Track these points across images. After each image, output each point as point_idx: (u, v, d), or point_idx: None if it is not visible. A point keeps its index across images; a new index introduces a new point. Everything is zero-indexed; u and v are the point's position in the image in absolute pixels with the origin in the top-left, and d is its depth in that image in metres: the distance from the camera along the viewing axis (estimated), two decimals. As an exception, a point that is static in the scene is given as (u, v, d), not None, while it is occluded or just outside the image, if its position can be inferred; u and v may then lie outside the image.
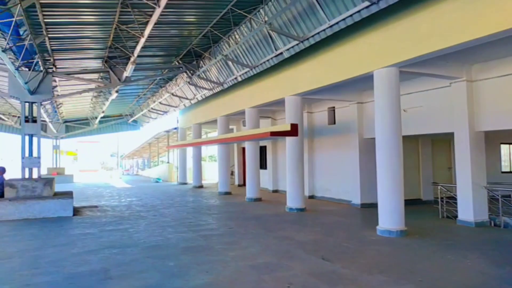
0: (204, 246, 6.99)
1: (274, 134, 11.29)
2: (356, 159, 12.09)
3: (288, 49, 10.57)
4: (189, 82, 16.89)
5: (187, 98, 19.34)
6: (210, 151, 35.74)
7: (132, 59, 11.48)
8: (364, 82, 9.77)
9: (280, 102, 12.31)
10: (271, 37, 10.81)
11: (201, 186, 20.21)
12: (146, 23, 9.14)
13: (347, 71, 9.09)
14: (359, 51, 8.71)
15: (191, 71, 15.49)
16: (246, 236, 7.87)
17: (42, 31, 9.72)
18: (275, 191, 17.11)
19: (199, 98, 18.30)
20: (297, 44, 10.12)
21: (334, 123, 13.71)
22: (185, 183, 22.67)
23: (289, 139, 11.44)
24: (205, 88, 16.68)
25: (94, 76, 15.22)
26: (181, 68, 15.43)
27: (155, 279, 5.07)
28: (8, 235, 8.22)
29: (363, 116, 12.26)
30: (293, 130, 10.77)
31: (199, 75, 15.59)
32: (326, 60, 9.91)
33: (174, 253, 6.49)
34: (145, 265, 5.73)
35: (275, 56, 11.25)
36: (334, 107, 13.73)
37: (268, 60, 11.68)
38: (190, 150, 23.61)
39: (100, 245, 7.05)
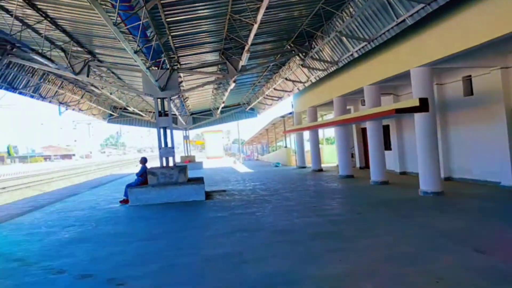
0: (333, 232, 6.70)
1: (400, 111, 10.29)
2: (504, 133, 10.26)
3: (411, 15, 9.40)
4: (302, 65, 16.60)
5: (300, 82, 19.10)
6: (327, 134, 35.12)
7: (246, 47, 11.65)
8: (510, 43, 8.11)
9: (403, 76, 11.13)
10: (390, 4, 9.75)
11: (320, 170, 19.92)
12: (258, 8, 9.09)
13: (488, 31, 7.62)
14: (505, 6, 7.20)
15: (304, 53, 15.15)
16: (378, 222, 7.33)
17: (165, 30, 10.49)
18: (403, 173, 15.80)
19: (313, 80, 17.87)
20: (422, 8, 8.91)
21: (471, 94, 11.88)
22: (304, 167, 22.65)
23: (418, 116, 10.29)
24: (319, 69, 16.18)
25: (213, 68, 16.05)
26: (293, 52, 15.22)
27: (287, 265, 4.99)
28: (153, 217, 9.20)
29: (510, 83, 10.32)
30: (423, 105, 9.65)
31: (312, 56, 15.16)
32: (459, 22, 8.50)
33: (302, 238, 6.36)
34: (275, 250, 5.72)
35: (397, 24, 10.13)
36: (470, 76, 11.88)
37: (388, 31, 10.61)
38: (306, 134, 23.43)
39: (231, 228, 7.35)
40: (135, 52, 9.71)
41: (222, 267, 5.07)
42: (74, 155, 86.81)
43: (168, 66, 13.02)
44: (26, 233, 7.81)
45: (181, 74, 15.83)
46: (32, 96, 17.84)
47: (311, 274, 4.60)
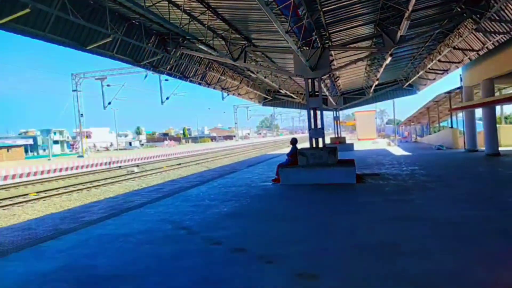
0: (520, 230, 5.40)
1: None
2: None
3: None
4: (475, 29, 14.02)
5: (472, 50, 16.25)
6: (506, 111, 29.56)
7: (406, 14, 10.35)
8: None
9: None
10: None
11: (497, 154, 16.76)
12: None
13: None
14: None
15: (478, 15, 12.69)
16: None
17: (317, 6, 10.15)
18: None
19: (490, 47, 14.95)
20: None
21: None
22: (475, 150, 19.49)
23: None
24: (499, 33, 13.38)
25: (367, 43, 15.00)
26: (464, 14, 12.92)
27: (453, 263, 4.22)
28: (303, 198, 9.19)
29: None
30: None
31: (489, 17, 12.59)
32: None
33: (473, 234, 5.32)
34: (438, 245, 4.92)
35: None
36: None
37: None
38: (478, 112, 20.10)
39: (386, 215, 6.72)
40: (287, 32, 9.68)
41: (376, 257, 4.60)
42: (234, 136, 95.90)
43: (319, 45, 12.70)
44: (193, 204, 8.78)
45: (332, 52, 15.31)
46: (199, 84, 20.09)
47: (483, 279, 3.75)
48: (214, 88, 21.96)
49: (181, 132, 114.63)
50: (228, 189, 11.00)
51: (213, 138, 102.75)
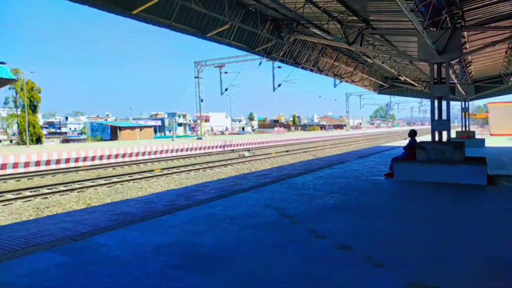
0: None
1: None
2: None
3: None
4: None
5: None
6: None
7: None
8: None
9: None
10: None
11: None
12: None
13: None
14: None
15: None
16: None
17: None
18: None
19: None
20: None
21: None
22: None
23: None
24: None
25: (510, 22, 12.72)
26: None
27: None
28: (421, 197, 8.27)
29: None
30: None
31: None
32: None
33: None
34: None
35: None
36: None
37: None
38: None
39: (527, 228, 5.59)
40: (411, 10, 8.70)
41: (509, 276, 3.80)
42: (345, 125, 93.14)
43: (449, 25, 11.19)
44: (298, 192, 8.62)
45: (465, 34, 13.39)
46: (311, 70, 19.73)
47: None
48: (326, 74, 21.36)
49: (291, 119, 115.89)
50: (335, 180, 10.55)
51: (322, 127, 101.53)
